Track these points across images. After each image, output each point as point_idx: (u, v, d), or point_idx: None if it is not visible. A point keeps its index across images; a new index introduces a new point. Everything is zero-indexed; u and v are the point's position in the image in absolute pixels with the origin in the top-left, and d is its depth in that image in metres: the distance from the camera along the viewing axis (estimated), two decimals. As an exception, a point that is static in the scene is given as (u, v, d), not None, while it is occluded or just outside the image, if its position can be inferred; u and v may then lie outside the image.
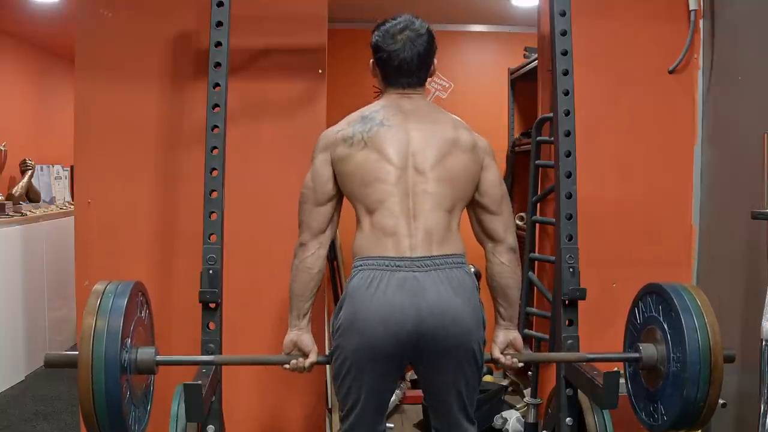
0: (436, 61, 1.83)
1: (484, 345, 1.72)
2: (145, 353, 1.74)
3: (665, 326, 1.81)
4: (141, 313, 1.79)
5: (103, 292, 1.67)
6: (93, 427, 1.60)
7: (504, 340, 1.83)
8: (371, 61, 1.84)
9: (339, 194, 1.77)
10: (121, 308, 1.63)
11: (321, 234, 1.76)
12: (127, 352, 1.64)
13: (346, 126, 1.76)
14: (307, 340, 1.78)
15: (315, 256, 1.75)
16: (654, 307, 1.87)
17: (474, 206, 1.80)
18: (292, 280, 1.77)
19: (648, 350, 1.85)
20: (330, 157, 1.75)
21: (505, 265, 1.79)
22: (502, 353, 1.83)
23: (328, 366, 2.79)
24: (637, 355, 1.87)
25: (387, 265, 1.64)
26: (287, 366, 1.80)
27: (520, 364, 1.88)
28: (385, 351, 1.63)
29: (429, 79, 1.85)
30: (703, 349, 1.71)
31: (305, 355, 1.79)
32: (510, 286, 1.80)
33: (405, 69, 1.77)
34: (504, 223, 1.80)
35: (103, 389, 1.57)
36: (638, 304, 1.96)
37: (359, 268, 1.67)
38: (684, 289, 1.81)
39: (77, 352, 1.59)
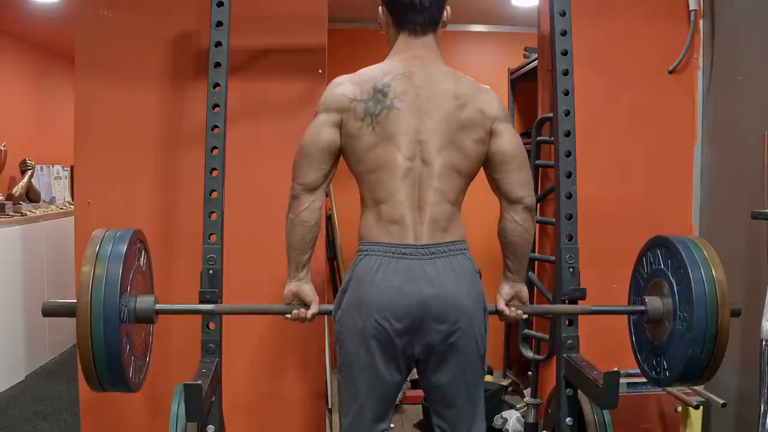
0: (448, 9, 1.78)
1: (486, 331, 1.73)
2: (144, 302, 1.72)
3: (672, 279, 1.79)
4: (140, 260, 1.76)
5: (102, 239, 1.63)
6: (92, 377, 1.59)
7: (509, 292, 1.84)
8: (380, 9, 1.79)
9: (338, 153, 1.73)
10: (120, 256, 1.60)
11: (316, 188, 1.72)
12: (126, 300, 1.62)
13: (357, 92, 1.69)
14: (307, 289, 1.77)
15: (310, 209, 1.72)
16: (661, 259, 1.85)
17: (489, 166, 1.76)
18: (288, 234, 1.74)
19: (654, 303, 1.84)
20: (340, 122, 1.69)
21: (518, 223, 1.76)
22: (507, 305, 1.83)
23: (328, 367, 2.81)
24: (643, 308, 1.85)
25: (393, 252, 1.65)
26: (289, 316, 1.79)
27: (525, 316, 1.88)
28: (389, 336, 1.64)
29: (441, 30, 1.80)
30: (710, 304, 1.69)
31: (306, 306, 1.78)
32: (521, 244, 1.78)
33: (417, 4, 1.72)
34: (521, 182, 1.74)
35: (102, 338, 1.54)
36: (645, 256, 1.94)
37: (365, 252, 1.68)
38: (692, 243, 1.80)
39: (75, 300, 1.56)
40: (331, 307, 1.77)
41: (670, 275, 1.81)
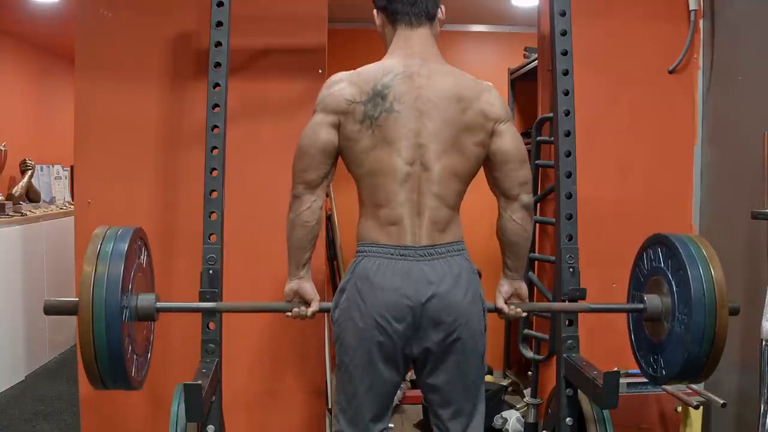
0: (443, 7, 1.78)
1: (485, 331, 1.73)
2: (145, 299, 1.72)
3: (671, 278, 1.79)
4: (140, 258, 1.77)
5: (103, 237, 1.64)
6: (94, 374, 1.59)
7: (509, 290, 1.84)
8: (374, 11, 1.79)
9: (337, 154, 1.72)
10: (122, 254, 1.61)
11: (317, 187, 1.72)
12: (127, 298, 1.62)
13: (356, 93, 1.67)
14: (308, 287, 1.77)
15: (311, 209, 1.72)
16: (661, 258, 1.86)
17: (488, 164, 1.75)
18: (289, 234, 1.73)
19: (653, 301, 1.84)
20: (338, 123, 1.68)
21: (517, 222, 1.76)
22: (506, 303, 1.84)
23: (328, 367, 2.81)
24: (641, 306, 1.86)
25: (392, 254, 1.65)
26: (289, 314, 1.79)
27: (524, 314, 1.88)
28: (388, 337, 1.64)
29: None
30: (708, 303, 1.70)
31: (307, 303, 1.78)
32: (520, 243, 1.79)
33: None
34: (520, 180, 1.75)
35: (104, 336, 1.55)
36: (644, 254, 1.94)
37: (364, 253, 1.68)
38: (691, 241, 1.81)
39: (77, 299, 1.56)
40: (331, 304, 1.76)
41: (669, 273, 1.82)
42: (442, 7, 1.79)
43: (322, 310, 1.80)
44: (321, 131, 1.69)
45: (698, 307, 1.70)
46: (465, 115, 1.69)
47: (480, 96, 1.71)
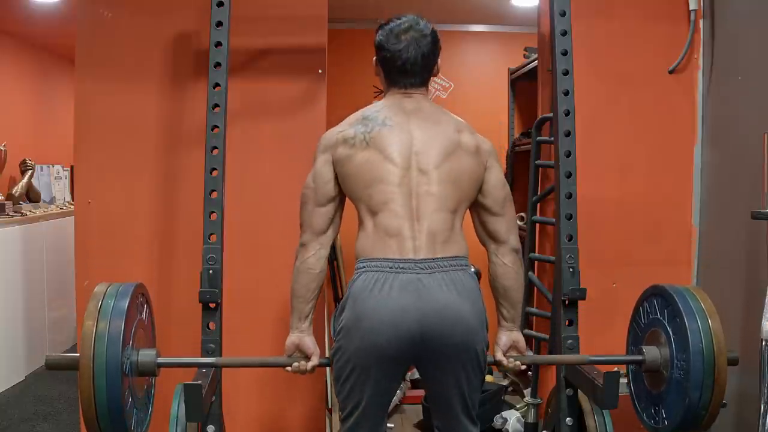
0: (439, 61, 1.82)
1: (487, 347, 1.73)
2: (146, 355, 1.73)
3: (669, 330, 1.81)
4: (142, 314, 1.79)
5: (104, 294, 1.67)
6: (94, 429, 1.60)
7: (507, 342, 1.82)
8: (374, 59, 1.83)
9: (340, 195, 1.76)
10: (122, 311, 1.63)
11: (322, 234, 1.75)
12: (128, 354, 1.64)
13: (347, 127, 1.75)
14: (308, 342, 1.78)
15: (316, 256, 1.74)
16: (658, 309, 1.87)
17: (477, 207, 1.80)
18: (293, 282, 1.76)
19: (651, 353, 1.84)
20: (331, 158, 1.74)
21: (508, 266, 1.78)
22: (504, 355, 1.83)
23: (328, 367, 2.81)
24: (640, 357, 1.86)
25: (391, 267, 1.64)
26: (289, 369, 1.80)
27: (523, 367, 1.88)
28: (389, 353, 1.63)
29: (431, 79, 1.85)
30: (707, 355, 1.71)
31: (307, 358, 1.79)
32: (513, 288, 1.79)
33: (408, 69, 1.76)
34: (507, 224, 1.79)
35: (105, 392, 1.57)
36: (642, 306, 1.95)
37: (363, 269, 1.67)
38: (689, 293, 1.81)
39: (78, 354, 1.59)
40: (327, 359, 1.80)
41: (666, 324, 1.82)
42: (439, 61, 1.82)
43: (321, 365, 1.82)
44: (323, 169, 1.75)
45: (696, 356, 1.71)
46: (461, 135, 1.75)
47: (473, 132, 1.79)
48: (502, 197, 1.79)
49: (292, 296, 1.77)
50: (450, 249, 1.68)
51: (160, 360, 1.76)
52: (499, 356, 1.82)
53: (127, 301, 1.65)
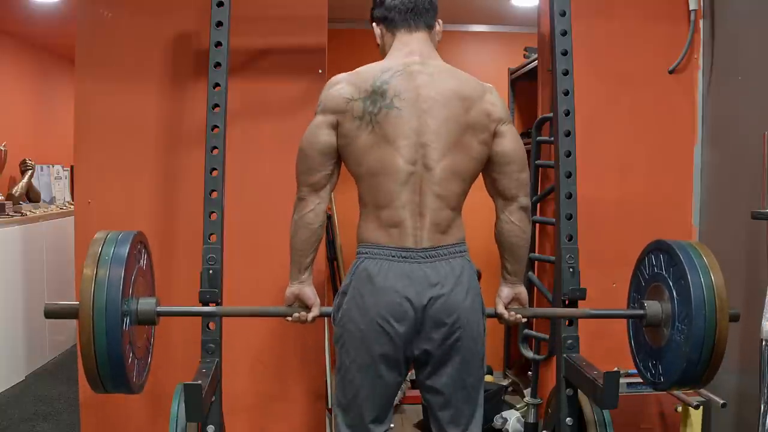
0: (440, 21, 1.79)
1: (485, 333, 1.73)
2: (146, 303, 1.72)
3: (672, 285, 1.79)
4: (141, 262, 1.77)
5: (104, 240, 1.64)
6: (94, 378, 1.60)
7: (508, 295, 1.82)
8: (373, 25, 1.80)
9: (337, 155, 1.72)
10: (122, 257, 1.61)
11: (322, 189, 1.72)
12: (128, 302, 1.62)
13: (355, 92, 1.67)
14: (309, 292, 1.77)
15: (315, 211, 1.72)
16: (661, 264, 1.86)
17: (488, 165, 1.75)
18: (292, 236, 1.73)
19: (653, 307, 1.84)
20: (336, 123, 1.68)
21: (515, 224, 1.76)
22: (506, 308, 1.83)
23: (328, 367, 2.81)
24: (641, 312, 1.86)
25: (393, 255, 1.65)
26: (289, 318, 1.79)
27: (524, 320, 1.88)
28: (390, 339, 1.63)
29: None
30: (708, 309, 1.70)
31: (307, 308, 1.78)
32: (518, 245, 1.78)
33: (411, 7, 1.74)
34: (518, 181, 1.75)
35: (105, 340, 1.55)
36: (645, 260, 1.94)
37: (365, 255, 1.68)
38: (692, 248, 1.80)
39: (77, 302, 1.57)
40: (331, 309, 1.76)
41: (669, 281, 1.81)
42: (440, 20, 1.80)
43: (322, 315, 1.80)
44: (319, 132, 1.69)
45: (698, 314, 1.70)
46: (468, 114, 1.68)
47: (483, 96, 1.71)
48: (515, 159, 1.73)
49: (291, 249, 1.74)
50: (449, 237, 1.69)
51: (160, 308, 1.75)
52: (501, 308, 1.82)
53: (127, 248, 1.62)
